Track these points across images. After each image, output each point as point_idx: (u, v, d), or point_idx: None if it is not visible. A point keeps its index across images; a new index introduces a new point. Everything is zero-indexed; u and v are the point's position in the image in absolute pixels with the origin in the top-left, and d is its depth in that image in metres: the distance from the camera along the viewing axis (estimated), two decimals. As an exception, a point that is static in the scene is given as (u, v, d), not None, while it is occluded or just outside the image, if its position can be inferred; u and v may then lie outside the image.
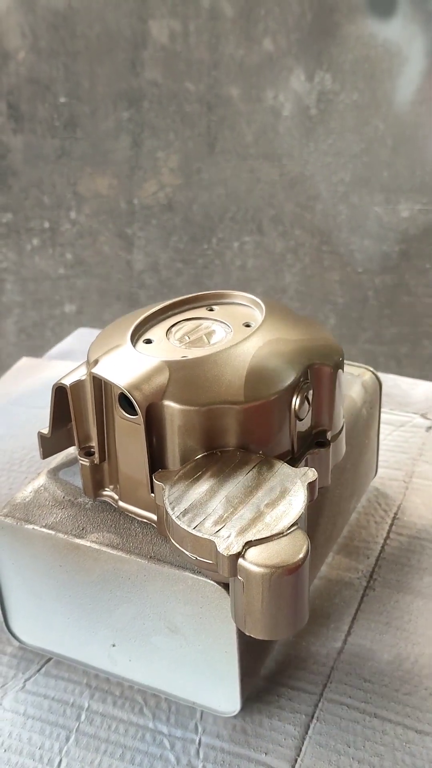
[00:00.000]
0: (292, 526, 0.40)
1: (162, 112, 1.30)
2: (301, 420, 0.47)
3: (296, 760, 0.45)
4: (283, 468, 0.45)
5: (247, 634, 0.41)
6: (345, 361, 0.56)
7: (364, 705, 0.48)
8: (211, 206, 1.35)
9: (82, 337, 0.93)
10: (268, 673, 0.50)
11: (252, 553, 0.39)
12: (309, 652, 0.51)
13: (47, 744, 0.46)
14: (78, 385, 0.47)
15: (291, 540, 0.40)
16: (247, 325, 0.50)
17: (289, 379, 0.46)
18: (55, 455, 0.51)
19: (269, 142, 1.30)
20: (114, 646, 0.49)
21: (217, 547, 0.39)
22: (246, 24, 1.23)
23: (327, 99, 1.26)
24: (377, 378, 0.59)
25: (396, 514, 0.62)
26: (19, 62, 1.28)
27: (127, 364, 0.45)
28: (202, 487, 0.43)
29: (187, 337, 0.49)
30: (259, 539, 0.40)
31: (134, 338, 0.48)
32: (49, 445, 0.50)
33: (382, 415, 0.68)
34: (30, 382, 0.82)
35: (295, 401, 0.46)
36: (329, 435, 0.50)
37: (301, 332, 0.50)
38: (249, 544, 0.39)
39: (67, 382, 0.47)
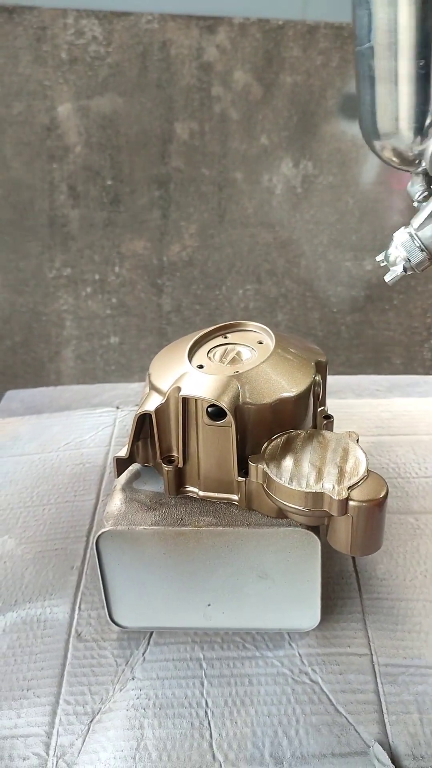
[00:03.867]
0: (368, 471, 0.43)
1: (184, 191, 1.30)
2: (318, 401, 0.50)
3: (369, 644, 0.48)
4: (331, 435, 0.46)
5: (351, 555, 0.43)
6: None
7: (391, 594, 0.51)
8: (222, 262, 1.35)
9: (12, 397, 0.87)
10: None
11: (355, 493, 0.41)
12: (334, 572, 0.53)
13: (189, 693, 0.46)
14: (161, 408, 0.46)
15: (374, 480, 0.42)
16: (260, 343, 0.50)
17: (312, 373, 0.48)
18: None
19: (265, 214, 1.31)
20: (209, 605, 0.48)
21: (332, 496, 0.41)
22: (247, 125, 1.25)
23: (309, 181, 1.28)
24: None
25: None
26: (77, 154, 1.28)
27: (205, 384, 0.45)
28: (288, 461, 0.44)
29: (224, 359, 0.49)
30: (354, 483, 0.42)
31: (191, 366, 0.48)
32: (122, 465, 0.49)
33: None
34: None
35: (316, 388, 0.49)
36: (327, 410, 0.52)
37: (299, 343, 0.52)
38: (350, 489, 0.41)
39: (151, 408, 0.46)
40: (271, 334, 0.50)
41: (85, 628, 0.51)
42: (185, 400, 0.45)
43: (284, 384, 0.46)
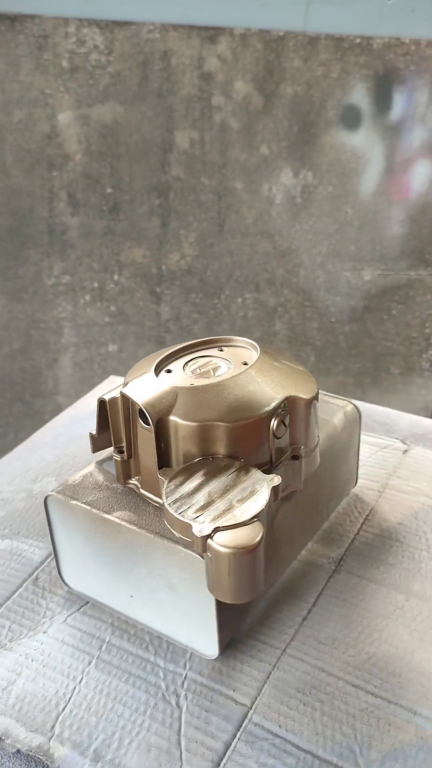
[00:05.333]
0: (254, 518, 0.40)
1: (184, 200, 1.30)
2: (278, 438, 0.46)
3: (256, 698, 0.45)
4: (256, 474, 0.44)
5: (216, 598, 0.41)
6: (333, 395, 0.56)
7: (316, 661, 0.47)
8: (221, 271, 1.35)
9: (112, 382, 0.85)
10: (247, 629, 0.49)
11: (219, 536, 0.39)
12: (281, 615, 0.50)
13: (74, 665, 0.47)
14: (114, 400, 0.47)
15: (251, 529, 0.39)
16: (245, 363, 0.49)
17: (268, 406, 0.45)
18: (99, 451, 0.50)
19: (265, 223, 1.31)
20: (132, 597, 0.48)
21: (193, 530, 0.39)
22: (248, 134, 1.25)
23: (309, 191, 1.28)
24: (357, 409, 0.57)
25: (368, 515, 0.60)
26: (76, 162, 1.27)
27: (148, 388, 0.45)
28: (193, 483, 0.43)
29: (198, 370, 0.48)
30: (226, 526, 0.39)
31: (158, 369, 0.47)
32: (96, 443, 0.50)
33: (370, 438, 0.68)
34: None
35: (273, 423, 0.45)
36: (302, 451, 0.48)
37: (284, 371, 0.49)
38: (217, 529, 0.39)
39: (107, 397, 0.47)
40: (258, 356, 0.48)
41: (44, 576, 0.53)
42: (125, 397, 0.46)
43: (226, 410, 0.44)
